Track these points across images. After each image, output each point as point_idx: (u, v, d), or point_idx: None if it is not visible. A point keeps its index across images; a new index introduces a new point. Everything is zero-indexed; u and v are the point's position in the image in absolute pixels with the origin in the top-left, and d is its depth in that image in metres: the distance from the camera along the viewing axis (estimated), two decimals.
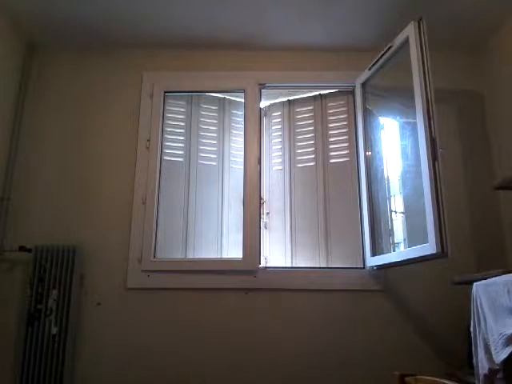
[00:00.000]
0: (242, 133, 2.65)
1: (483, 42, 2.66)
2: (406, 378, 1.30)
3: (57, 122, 2.66)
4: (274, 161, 2.75)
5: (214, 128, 2.76)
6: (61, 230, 2.47)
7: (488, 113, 2.64)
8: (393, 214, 2.52)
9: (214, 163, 2.71)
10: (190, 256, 2.54)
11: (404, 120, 2.48)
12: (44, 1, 2.38)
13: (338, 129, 2.72)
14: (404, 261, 2.13)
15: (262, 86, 2.73)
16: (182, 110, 2.76)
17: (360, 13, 2.45)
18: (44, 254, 2.35)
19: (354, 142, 2.64)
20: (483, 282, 1.61)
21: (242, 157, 2.61)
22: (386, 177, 2.50)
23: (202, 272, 2.43)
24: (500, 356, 1.41)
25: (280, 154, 2.75)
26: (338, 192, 2.62)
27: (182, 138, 2.72)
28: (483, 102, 2.67)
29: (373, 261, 2.38)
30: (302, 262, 2.54)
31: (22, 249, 2.39)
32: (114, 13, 2.46)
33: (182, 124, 2.74)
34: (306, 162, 2.71)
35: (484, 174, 2.55)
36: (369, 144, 2.55)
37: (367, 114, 2.59)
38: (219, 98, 2.80)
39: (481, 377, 1.52)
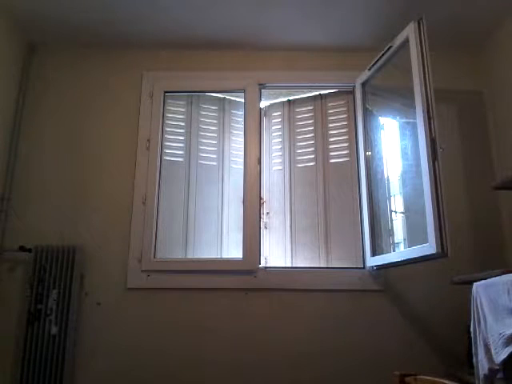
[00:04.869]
0: (242, 133, 2.65)
1: (483, 41, 2.66)
2: (406, 378, 1.30)
3: (57, 121, 2.66)
4: (274, 161, 2.75)
5: (214, 128, 2.76)
6: (61, 230, 2.47)
7: (488, 113, 2.64)
8: (393, 213, 2.52)
9: (214, 163, 2.71)
10: (190, 256, 2.54)
11: (404, 120, 2.48)
12: (44, 1, 2.38)
13: (338, 129, 2.72)
14: (404, 261, 2.12)
15: (262, 85, 2.73)
16: (182, 109, 2.76)
17: (360, 13, 2.45)
18: (44, 253, 2.35)
19: (354, 141, 2.64)
20: (483, 282, 1.61)
21: (242, 157, 2.61)
22: (386, 177, 2.50)
23: (202, 272, 2.43)
24: (500, 356, 1.41)
25: (280, 153, 2.75)
26: (338, 192, 2.62)
27: (181, 137, 2.72)
28: (483, 101, 2.67)
29: (373, 261, 2.38)
30: (302, 262, 2.55)
31: (22, 249, 2.39)
32: (113, 13, 2.46)
33: (182, 124, 2.74)
34: (306, 162, 2.71)
35: (484, 174, 2.55)
36: (369, 144, 2.55)
37: (367, 114, 2.59)
38: (219, 98, 2.80)
39: (481, 377, 1.52)
